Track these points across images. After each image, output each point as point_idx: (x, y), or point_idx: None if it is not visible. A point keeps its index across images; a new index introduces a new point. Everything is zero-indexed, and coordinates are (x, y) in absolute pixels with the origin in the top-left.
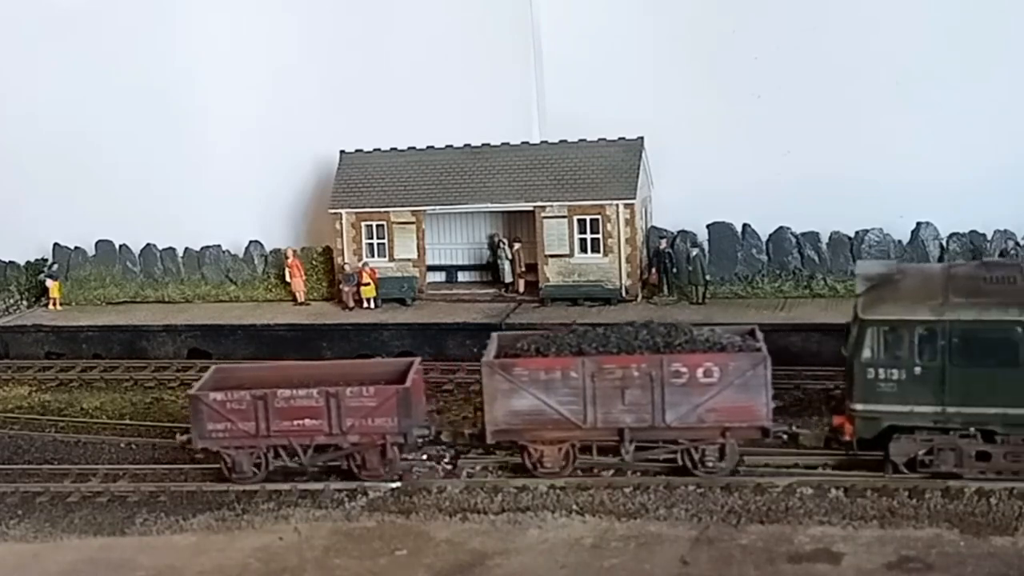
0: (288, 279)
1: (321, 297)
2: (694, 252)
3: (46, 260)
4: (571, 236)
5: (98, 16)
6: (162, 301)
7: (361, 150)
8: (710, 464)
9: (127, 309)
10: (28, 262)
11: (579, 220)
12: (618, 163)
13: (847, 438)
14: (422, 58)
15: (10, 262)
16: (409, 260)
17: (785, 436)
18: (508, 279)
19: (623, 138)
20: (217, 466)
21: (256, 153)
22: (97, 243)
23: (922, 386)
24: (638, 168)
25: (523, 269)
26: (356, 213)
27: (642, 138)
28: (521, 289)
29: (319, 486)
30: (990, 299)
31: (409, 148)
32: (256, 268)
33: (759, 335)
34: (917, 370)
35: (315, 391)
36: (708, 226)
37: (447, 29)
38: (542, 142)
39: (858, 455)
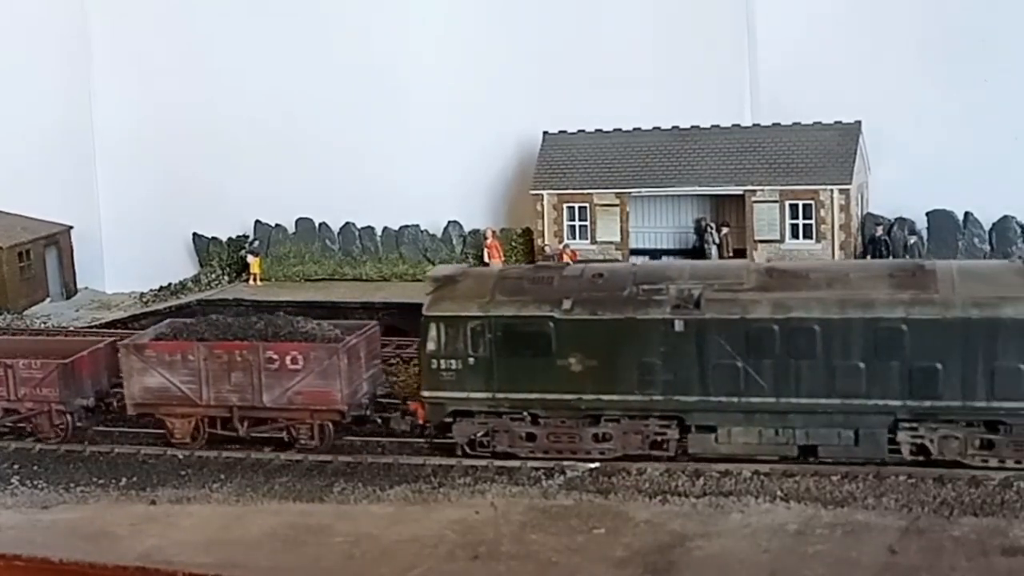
0: (487, 260)
1: None
2: (912, 240)
3: (247, 237)
4: (782, 221)
5: None
6: (359, 279)
7: (565, 131)
8: (303, 441)
9: (325, 286)
10: (230, 238)
11: (791, 205)
12: (833, 147)
13: (420, 422)
14: (629, 38)
15: (212, 238)
16: (612, 243)
17: (378, 420)
18: None
19: (839, 122)
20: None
21: (457, 133)
22: (297, 221)
23: (476, 375)
24: (855, 153)
25: (731, 254)
26: (558, 195)
27: (859, 122)
28: None
29: (515, 463)
30: (528, 297)
31: (614, 130)
32: (454, 248)
33: (370, 331)
34: (471, 360)
35: None
36: (928, 214)
37: (657, 8)
38: (754, 125)
39: (435, 438)
